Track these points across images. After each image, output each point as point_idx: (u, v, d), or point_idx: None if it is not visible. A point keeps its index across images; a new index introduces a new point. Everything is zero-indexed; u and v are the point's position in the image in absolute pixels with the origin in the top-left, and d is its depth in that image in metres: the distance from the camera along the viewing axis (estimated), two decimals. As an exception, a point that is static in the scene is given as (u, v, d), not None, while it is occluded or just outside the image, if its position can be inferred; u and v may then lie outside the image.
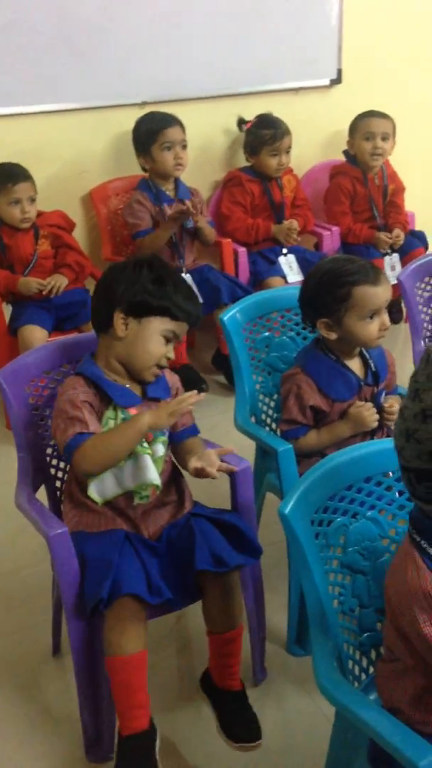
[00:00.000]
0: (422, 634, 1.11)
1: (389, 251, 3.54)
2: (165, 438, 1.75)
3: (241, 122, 3.49)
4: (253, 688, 1.87)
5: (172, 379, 1.86)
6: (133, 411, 1.71)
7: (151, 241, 3.12)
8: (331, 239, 3.53)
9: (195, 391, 1.68)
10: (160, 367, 1.75)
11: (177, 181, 3.25)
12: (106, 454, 1.63)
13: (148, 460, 1.68)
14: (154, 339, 1.71)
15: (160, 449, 1.73)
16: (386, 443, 1.43)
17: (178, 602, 1.62)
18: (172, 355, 1.76)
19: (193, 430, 1.85)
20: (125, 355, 1.73)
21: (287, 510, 1.32)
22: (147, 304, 1.70)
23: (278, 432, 2.07)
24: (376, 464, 1.45)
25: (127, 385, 1.75)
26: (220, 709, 1.68)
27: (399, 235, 3.52)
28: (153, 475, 1.68)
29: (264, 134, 3.36)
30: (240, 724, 1.64)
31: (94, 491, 1.68)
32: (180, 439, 1.82)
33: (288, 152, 3.39)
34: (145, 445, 1.69)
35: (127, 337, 1.71)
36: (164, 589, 1.58)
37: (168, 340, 1.74)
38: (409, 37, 3.81)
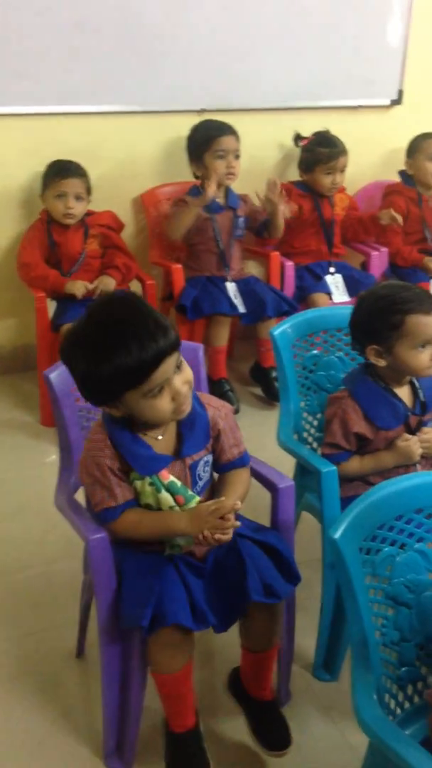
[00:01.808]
0: None
1: (437, 276, 3.51)
2: (199, 498, 1.60)
3: (297, 138, 3.47)
4: (276, 709, 1.84)
5: (215, 414, 1.64)
6: (163, 474, 1.57)
7: (175, 221, 3.11)
8: (379, 259, 3.51)
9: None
10: (179, 407, 1.52)
11: (228, 189, 3.24)
12: (137, 536, 1.58)
13: None
14: (147, 406, 1.47)
15: None
16: (436, 475, 1.40)
17: (221, 626, 1.58)
18: (183, 390, 1.49)
19: (241, 461, 1.71)
20: (140, 419, 1.53)
21: (338, 535, 1.29)
22: (110, 393, 1.46)
23: (320, 452, 2.04)
24: (427, 495, 1.42)
25: (159, 437, 1.58)
26: (253, 717, 1.74)
27: None
28: (185, 539, 1.59)
29: (321, 152, 3.34)
30: (273, 732, 1.70)
31: None
32: (225, 469, 1.70)
33: (343, 171, 3.37)
34: (176, 509, 1.57)
35: (128, 412, 1.51)
36: (209, 615, 1.54)
37: (162, 388, 1.46)
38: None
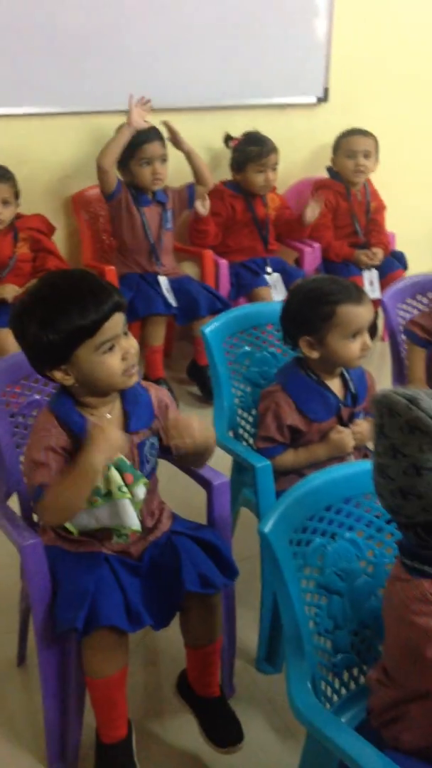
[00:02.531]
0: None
1: (369, 267, 3.56)
2: (146, 480, 1.61)
3: (227, 139, 3.49)
4: (220, 705, 1.85)
5: (158, 395, 1.70)
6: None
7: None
8: (312, 255, 3.55)
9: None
10: (129, 368, 1.55)
11: (154, 190, 3.25)
12: (65, 506, 1.51)
13: (127, 505, 1.55)
14: (98, 362, 1.51)
15: (141, 492, 1.58)
16: (365, 465, 1.42)
17: (159, 625, 1.58)
18: (132, 350, 1.55)
19: None
20: (87, 389, 1.56)
21: (267, 529, 1.31)
22: (63, 351, 1.49)
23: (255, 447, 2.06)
24: (355, 485, 1.45)
25: (108, 415, 1.60)
26: (203, 715, 1.72)
27: (377, 254, 3.55)
28: (133, 521, 1.56)
29: (251, 150, 3.37)
30: (223, 729, 1.68)
31: (68, 523, 1.59)
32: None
33: (274, 169, 3.40)
34: (124, 489, 1.54)
35: (77, 379, 1.53)
36: (144, 616, 1.54)
37: (111, 347, 1.52)
38: (396, 57, 3.85)
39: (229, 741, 1.67)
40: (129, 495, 1.55)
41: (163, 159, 3.17)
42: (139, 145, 3.12)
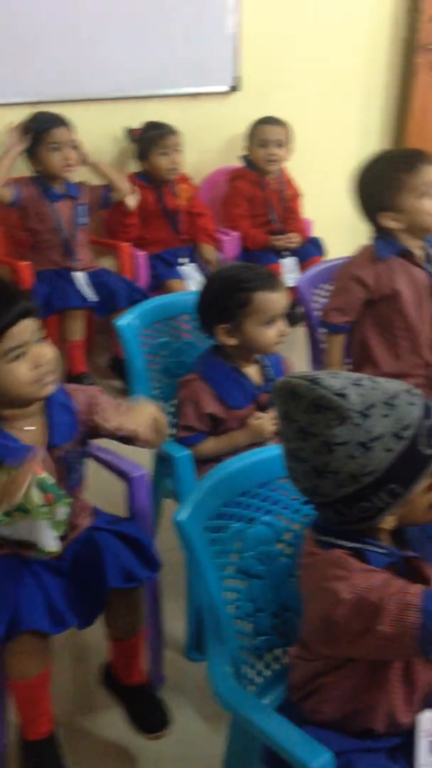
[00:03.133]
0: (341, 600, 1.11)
1: (287, 254, 3.60)
2: (69, 500, 1.54)
3: (129, 131, 3.46)
4: (151, 695, 1.86)
5: (86, 398, 1.60)
6: (37, 468, 1.45)
7: None
8: (230, 244, 3.56)
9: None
10: (42, 377, 1.48)
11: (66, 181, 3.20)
12: None
13: (44, 527, 1.48)
14: (5, 371, 1.44)
15: (62, 512, 1.51)
16: (279, 449, 1.45)
17: (83, 624, 1.57)
18: (45, 358, 1.47)
19: None
20: (1, 400, 1.48)
21: (182, 518, 1.31)
22: None
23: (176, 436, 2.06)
24: (270, 470, 1.46)
25: (27, 428, 1.53)
26: (130, 704, 1.73)
27: (293, 237, 3.59)
28: (50, 542, 1.51)
29: (151, 134, 3.35)
30: (150, 715, 1.70)
31: None
32: None
33: (178, 151, 3.36)
34: (44, 509, 1.46)
35: None
36: (68, 617, 1.52)
37: (19, 355, 1.45)
38: (306, 44, 3.88)
39: (156, 726, 1.69)
40: (48, 515, 1.48)
41: (73, 145, 3.12)
42: (46, 130, 3.06)
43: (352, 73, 4.03)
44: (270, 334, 1.92)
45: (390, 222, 2.13)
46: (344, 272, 2.23)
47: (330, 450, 1.10)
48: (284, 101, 3.77)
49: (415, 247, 2.18)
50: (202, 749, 1.74)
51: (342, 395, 1.10)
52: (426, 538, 1.25)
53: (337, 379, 1.13)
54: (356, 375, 1.16)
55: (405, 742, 1.22)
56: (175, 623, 1.99)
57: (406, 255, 2.17)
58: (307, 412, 1.11)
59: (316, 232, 3.84)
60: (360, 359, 2.28)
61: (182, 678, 1.94)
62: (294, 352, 3.18)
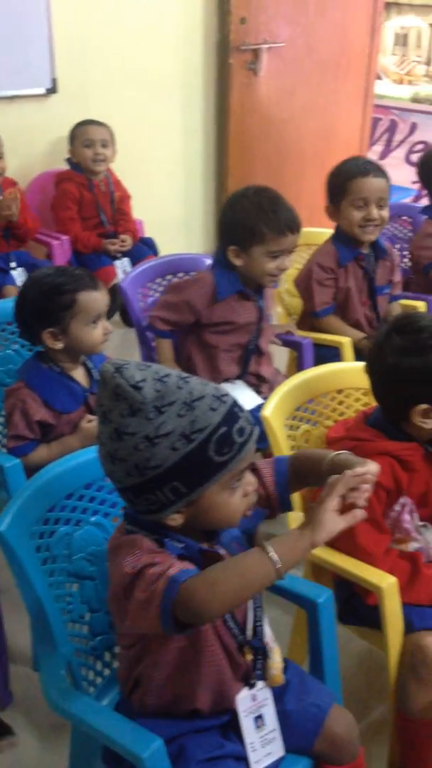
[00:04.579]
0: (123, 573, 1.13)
1: (119, 256, 3.60)
2: None
3: None
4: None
5: None
6: None
7: None
8: (61, 248, 3.51)
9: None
10: None
11: None
12: None
13: None
14: None
15: None
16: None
17: None
18: None
19: None
20: None
21: (4, 528, 1.29)
22: None
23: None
24: (94, 470, 1.45)
25: None
26: None
27: (126, 240, 3.60)
28: None
29: None
30: None
31: None
32: None
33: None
34: None
35: None
36: None
37: None
38: (121, 48, 3.88)
39: None
40: None
41: None
42: None
43: (170, 75, 4.09)
44: (96, 333, 1.94)
45: (234, 259, 2.21)
46: (182, 294, 2.28)
47: (120, 438, 1.12)
48: (104, 103, 3.77)
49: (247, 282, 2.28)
50: (48, 758, 1.73)
51: (137, 388, 1.12)
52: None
53: (142, 371, 1.15)
54: (167, 371, 1.18)
55: (235, 718, 1.26)
56: (20, 638, 1.95)
57: (243, 294, 2.27)
58: (109, 399, 1.14)
59: (147, 232, 3.87)
60: (185, 366, 2.35)
61: (31, 690, 1.90)
62: (126, 351, 3.21)
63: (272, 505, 1.34)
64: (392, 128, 6.37)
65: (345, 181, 2.53)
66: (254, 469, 1.33)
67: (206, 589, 1.06)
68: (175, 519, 1.16)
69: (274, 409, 1.72)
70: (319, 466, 1.27)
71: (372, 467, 1.20)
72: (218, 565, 1.11)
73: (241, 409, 1.19)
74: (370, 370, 1.62)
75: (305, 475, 1.34)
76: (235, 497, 1.18)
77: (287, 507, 1.36)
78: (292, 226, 2.18)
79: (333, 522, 1.12)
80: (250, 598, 1.19)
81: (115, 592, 1.14)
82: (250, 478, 1.22)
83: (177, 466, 1.12)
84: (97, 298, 1.93)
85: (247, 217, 2.16)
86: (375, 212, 2.52)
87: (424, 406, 1.53)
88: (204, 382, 1.19)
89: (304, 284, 2.66)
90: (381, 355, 1.56)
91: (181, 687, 1.23)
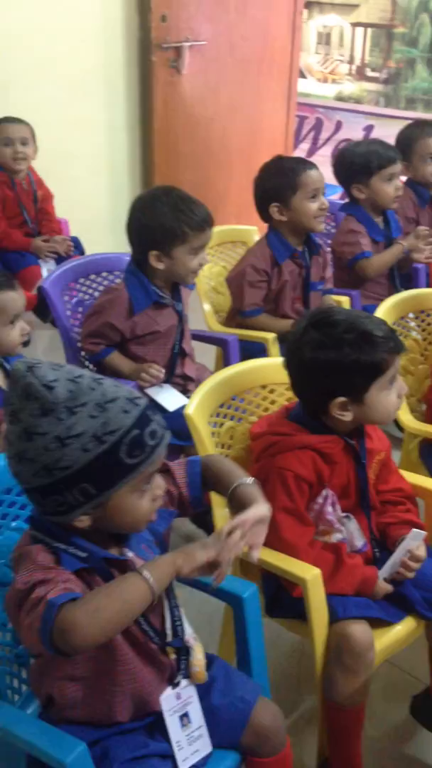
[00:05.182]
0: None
1: (49, 257, 3.55)
2: None
3: None
4: None
5: None
6: None
7: None
8: (-14, 247, 3.45)
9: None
10: None
11: None
12: None
13: None
14: None
15: None
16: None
17: None
18: None
19: None
20: None
21: None
22: None
23: None
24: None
25: None
26: None
27: (59, 242, 3.54)
28: None
29: None
30: None
31: None
32: None
33: None
34: None
35: None
36: None
37: None
38: (40, 46, 3.82)
39: None
40: None
41: None
42: None
43: (93, 73, 4.05)
44: (13, 334, 1.94)
45: (157, 264, 2.20)
46: (101, 317, 2.26)
47: (29, 438, 1.11)
48: (24, 101, 3.71)
49: (164, 287, 2.28)
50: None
51: (49, 387, 1.11)
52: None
53: (55, 371, 1.14)
54: (81, 371, 1.17)
55: (161, 718, 1.26)
56: None
57: (159, 303, 2.27)
58: (19, 398, 1.12)
59: (73, 231, 3.83)
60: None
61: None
62: (53, 353, 3.16)
63: (184, 504, 1.36)
64: (318, 126, 6.45)
65: (294, 177, 2.56)
66: (166, 470, 1.34)
67: (88, 618, 1.05)
68: (83, 521, 1.15)
69: (197, 406, 1.72)
70: (224, 490, 1.31)
71: (259, 511, 1.23)
72: (99, 591, 1.11)
73: (154, 412, 1.19)
74: (289, 366, 1.64)
75: (213, 487, 1.36)
76: (143, 500, 1.18)
77: (198, 506, 1.38)
78: (209, 220, 2.22)
79: (200, 556, 1.16)
80: (129, 624, 1.17)
81: (9, 606, 1.13)
82: (159, 482, 1.22)
83: (87, 467, 1.11)
84: (14, 298, 1.92)
85: (165, 219, 2.16)
86: (325, 201, 2.59)
87: (341, 399, 1.56)
88: (118, 385, 1.19)
89: (236, 284, 2.68)
90: (298, 351, 1.58)
91: (98, 702, 1.22)
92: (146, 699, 1.26)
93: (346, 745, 1.58)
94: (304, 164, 2.62)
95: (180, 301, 2.32)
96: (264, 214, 2.64)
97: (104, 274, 2.58)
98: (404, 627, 1.61)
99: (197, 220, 2.17)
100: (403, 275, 3.07)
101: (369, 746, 1.79)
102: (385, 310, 2.24)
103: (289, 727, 1.83)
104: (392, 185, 2.96)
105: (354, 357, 1.53)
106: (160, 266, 2.20)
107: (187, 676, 1.30)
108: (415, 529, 1.61)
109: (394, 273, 3.03)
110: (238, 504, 1.27)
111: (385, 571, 1.60)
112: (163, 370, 2.25)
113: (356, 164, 2.96)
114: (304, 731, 1.77)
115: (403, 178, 3.23)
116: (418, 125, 3.35)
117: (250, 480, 1.32)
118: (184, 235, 2.16)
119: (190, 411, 1.71)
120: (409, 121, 3.50)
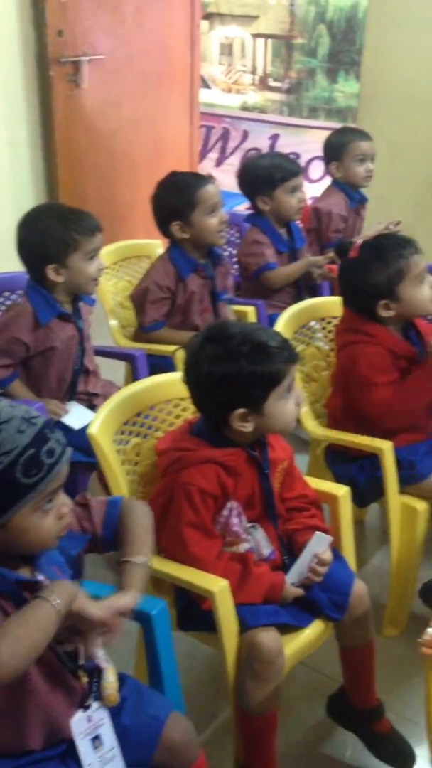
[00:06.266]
0: None
1: None
2: None
3: None
4: None
5: None
6: None
7: None
8: None
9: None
10: None
11: None
12: None
13: None
14: None
15: None
16: None
17: None
18: None
19: None
20: None
21: None
22: None
23: None
24: None
25: None
26: None
27: None
28: None
29: None
30: None
31: None
32: None
33: None
34: None
35: None
36: None
37: None
38: None
39: None
40: None
41: None
42: None
43: (-9, 88, 3.99)
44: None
45: (56, 277, 2.19)
46: (6, 333, 2.23)
47: None
48: None
49: (66, 302, 2.27)
50: None
51: None
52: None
53: None
54: None
55: (74, 746, 1.26)
56: None
57: (63, 316, 2.25)
58: None
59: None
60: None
61: None
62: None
63: (97, 544, 1.37)
64: (225, 136, 6.53)
65: (192, 194, 2.58)
66: (85, 504, 1.34)
67: (11, 651, 1.06)
68: None
69: (100, 425, 1.72)
70: (120, 552, 1.36)
71: (123, 603, 1.27)
72: (12, 622, 1.11)
73: (53, 430, 1.19)
74: (188, 380, 1.66)
75: (119, 538, 1.39)
76: (47, 519, 1.18)
77: (110, 548, 1.39)
78: (97, 225, 2.24)
79: (90, 611, 1.20)
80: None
81: None
82: (63, 500, 1.22)
83: None
84: None
85: (55, 232, 2.17)
86: (224, 215, 2.63)
87: (241, 410, 1.59)
88: (14, 405, 1.19)
89: (139, 300, 2.69)
90: (196, 365, 1.61)
91: (8, 731, 1.21)
92: (58, 726, 1.25)
93: (261, 751, 1.61)
94: (200, 179, 2.65)
95: (80, 318, 2.31)
96: (165, 231, 2.66)
97: (6, 293, 2.54)
98: (313, 630, 1.65)
99: (86, 225, 2.19)
100: (310, 286, 3.14)
101: (290, 749, 1.83)
102: (286, 319, 2.30)
103: (209, 736, 1.86)
104: (295, 197, 3.02)
105: (250, 368, 1.56)
106: (60, 279, 2.19)
107: (99, 698, 1.30)
108: (318, 533, 1.65)
109: (299, 283, 3.10)
110: (120, 574, 1.32)
111: (292, 576, 1.64)
112: (64, 405, 2.26)
113: (260, 177, 3.02)
114: (223, 740, 1.79)
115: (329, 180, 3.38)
116: (347, 131, 3.51)
117: (141, 560, 1.34)
118: (75, 243, 2.17)
119: (93, 430, 1.70)
120: (314, 130, 3.61)
